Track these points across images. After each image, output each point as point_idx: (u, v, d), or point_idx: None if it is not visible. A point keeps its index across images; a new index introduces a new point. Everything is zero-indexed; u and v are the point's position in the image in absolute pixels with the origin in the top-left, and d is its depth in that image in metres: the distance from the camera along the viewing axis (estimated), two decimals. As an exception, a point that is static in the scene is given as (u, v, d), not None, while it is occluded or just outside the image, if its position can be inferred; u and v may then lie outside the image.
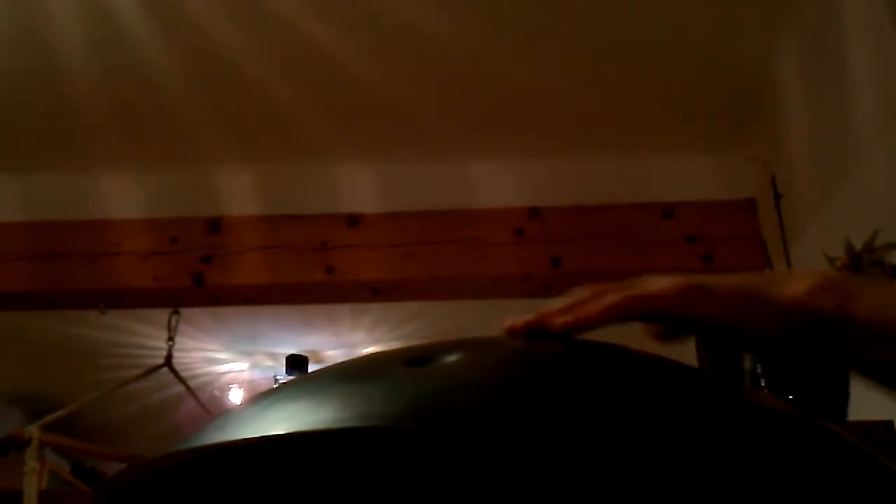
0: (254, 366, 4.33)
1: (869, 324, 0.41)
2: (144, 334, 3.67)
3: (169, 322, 2.84)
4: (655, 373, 0.41)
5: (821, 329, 0.42)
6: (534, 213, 2.73)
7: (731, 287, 0.44)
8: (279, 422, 0.37)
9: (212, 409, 3.45)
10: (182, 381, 3.00)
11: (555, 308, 0.45)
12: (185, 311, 2.87)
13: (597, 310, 0.44)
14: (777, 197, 2.11)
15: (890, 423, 1.49)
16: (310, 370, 3.99)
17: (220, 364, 4.30)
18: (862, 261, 1.36)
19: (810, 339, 0.42)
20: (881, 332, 0.41)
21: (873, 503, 0.36)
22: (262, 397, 0.43)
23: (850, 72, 1.94)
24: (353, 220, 2.76)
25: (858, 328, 0.41)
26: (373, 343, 3.86)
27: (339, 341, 3.93)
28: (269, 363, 4.28)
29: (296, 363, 4.04)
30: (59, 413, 2.73)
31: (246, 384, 4.41)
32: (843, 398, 1.27)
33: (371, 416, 0.35)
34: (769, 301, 0.42)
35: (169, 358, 2.91)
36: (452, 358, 0.40)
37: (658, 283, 0.45)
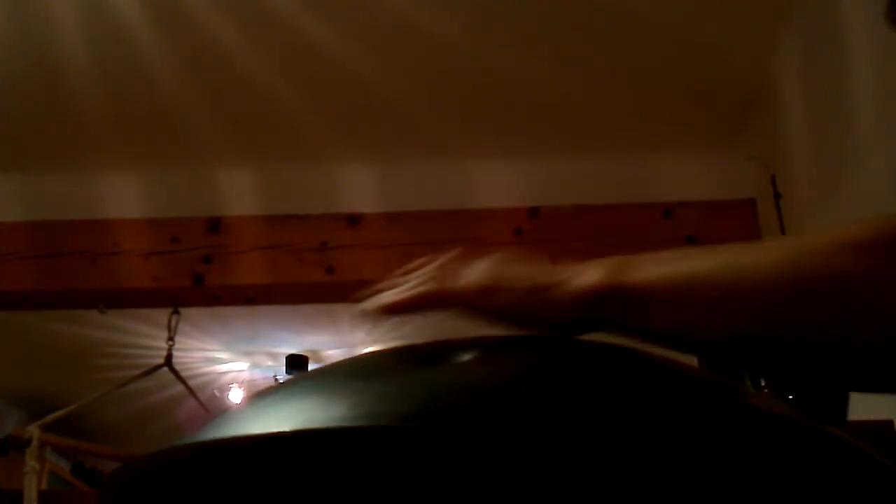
0: (254, 366, 4.34)
1: (642, 293, 0.44)
2: (144, 334, 3.68)
3: (169, 322, 2.84)
4: (658, 375, 0.41)
5: (603, 306, 0.45)
6: (534, 213, 2.73)
7: (528, 281, 0.48)
8: (287, 418, 0.37)
9: (212, 409, 3.45)
10: (182, 381, 3.00)
11: (387, 294, 0.52)
12: (185, 311, 2.87)
13: (408, 298, 0.50)
14: (777, 197, 2.11)
15: (890, 423, 1.50)
16: (310, 370, 3.99)
17: (220, 364, 4.30)
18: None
19: (596, 317, 0.45)
20: (653, 298, 0.44)
21: None
22: (269, 392, 0.43)
23: (850, 71, 1.94)
24: (353, 220, 2.76)
25: (634, 298, 0.44)
26: (373, 343, 3.86)
27: (339, 341, 3.94)
28: (269, 363, 4.28)
29: (296, 363, 4.04)
30: (59, 413, 2.74)
31: (246, 384, 4.41)
32: (843, 398, 1.27)
33: (382, 414, 0.35)
34: (556, 289, 0.46)
35: (169, 358, 2.91)
36: (464, 357, 0.40)
37: (466, 280, 0.50)
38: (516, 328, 0.49)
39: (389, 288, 0.55)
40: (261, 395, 0.43)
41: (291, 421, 0.37)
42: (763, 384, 1.31)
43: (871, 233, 0.41)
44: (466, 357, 0.41)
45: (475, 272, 0.50)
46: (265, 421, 0.38)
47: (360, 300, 0.55)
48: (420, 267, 0.56)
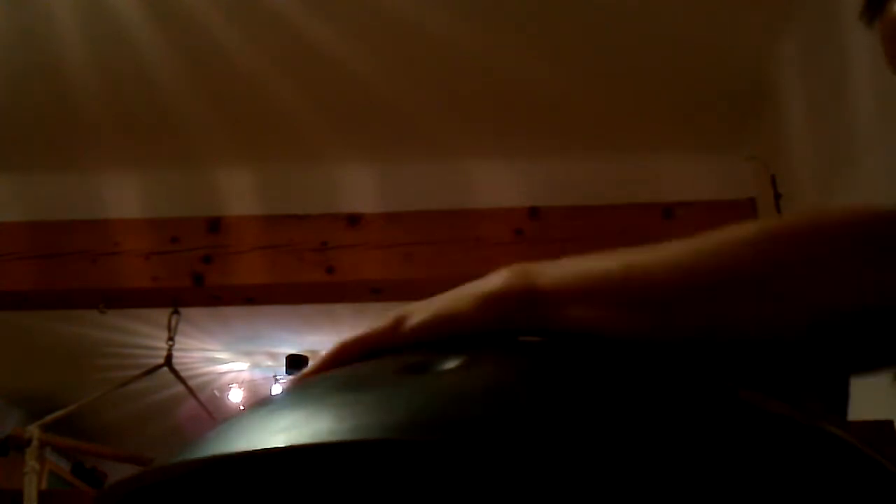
0: (254, 366, 4.34)
1: (546, 293, 0.44)
2: (144, 334, 3.68)
3: (169, 322, 2.84)
4: (654, 374, 0.41)
5: (514, 308, 0.45)
6: (534, 213, 2.73)
7: (434, 308, 0.48)
8: (277, 433, 0.37)
9: (212, 409, 3.45)
10: (182, 381, 3.00)
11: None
12: (185, 311, 2.87)
13: (324, 359, 0.49)
14: (777, 197, 2.11)
15: (890, 423, 1.50)
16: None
17: (220, 364, 4.30)
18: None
19: (509, 321, 0.45)
20: (558, 298, 0.44)
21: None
22: (262, 405, 0.43)
23: (850, 71, 1.94)
24: (353, 220, 2.76)
25: (538, 299, 0.45)
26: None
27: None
28: (269, 363, 4.28)
29: (296, 363, 4.04)
30: (59, 413, 2.74)
31: (246, 384, 4.42)
32: (843, 398, 1.27)
33: (367, 427, 0.35)
34: (462, 306, 0.46)
35: (169, 358, 2.91)
36: (451, 365, 0.40)
37: (375, 322, 0.49)
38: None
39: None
40: (256, 407, 0.43)
41: (279, 436, 0.36)
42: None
43: (770, 227, 0.43)
44: (454, 363, 0.40)
45: (384, 316, 0.50)
46: (255, 436, 0.38)
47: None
48: None
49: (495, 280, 0.46)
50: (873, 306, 0.40)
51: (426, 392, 0.38)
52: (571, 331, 0.44)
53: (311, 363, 0.52)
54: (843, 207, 0.44)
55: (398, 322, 0.48)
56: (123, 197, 2.84)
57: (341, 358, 0.48)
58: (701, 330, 0.42)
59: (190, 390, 3.08)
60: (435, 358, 0.41)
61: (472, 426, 0.34)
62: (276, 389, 4.02)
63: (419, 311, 0.48)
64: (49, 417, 2.68)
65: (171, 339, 2.86)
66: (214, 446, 0.38)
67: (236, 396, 4.42)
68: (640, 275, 0.44)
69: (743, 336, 0.41)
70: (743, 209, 2.63)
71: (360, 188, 2.81)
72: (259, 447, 0.36)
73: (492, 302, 0.46)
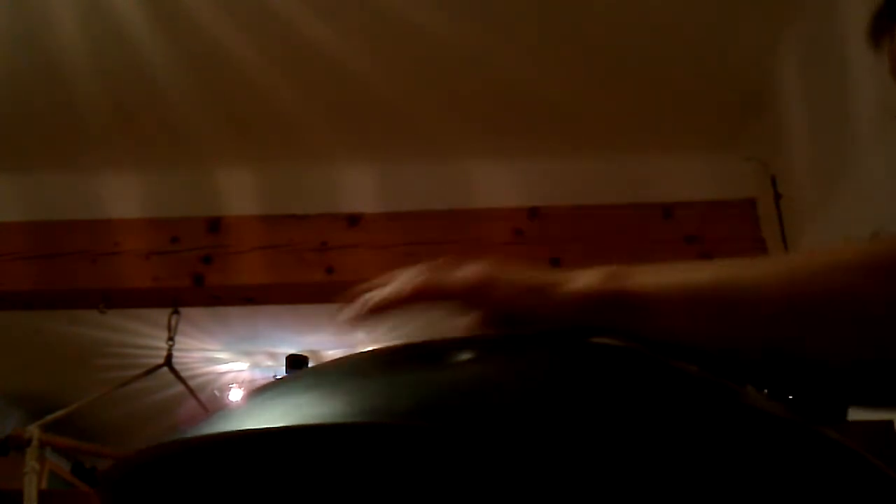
0: (254, 366, 4.34)
1: (640, 299, 0.45)
2: (144, 334, 3.68)
3: (169, 322, 2.84)
4: (657, 374, 0.41)
5: (599, 310, 0.46)
6: (534, 213, 2.73)
7: (527, 279, 0.49)
8: (282, 415, 0.37)
9: (212, 409, 3.44)
10: (182, 381, 3.00)
11: (380, 291, 0.52)
12: (185, 311, 2.87)
13: (400, 293, 0.51)
14: (777, 197, 2.11)
15: (890, 423, 1.49)
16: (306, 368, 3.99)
17: (220, 364, 4.30)
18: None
19: (592, 321, 0.46)
20: (650, 305, 0.45)
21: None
22: (265, 389, 0.43)
23: (850, 72, 1.94)
24: (353, 220, 2.76)
25: (631, 304, 0.45)
26: (373, 343, 3.86)
27: (338, 341, 3.93)
28: (269, 363, 4.28)
29: (296, 363, 4.04)
30: (59, 413, 2.74)
31: (246, 384, 4.41)
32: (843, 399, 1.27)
33: (378, 411, 0.35)
34: (555, 290, 0.47)
35: (169, 358, 2.91)
36: (462, 356, 0.40)
37: (464, 272, 0.50)
38: (510, 328, 0.49)
39: (380, 286, 0.55)
40: (257, 392, 0.43)
41: (286, 417, 0.37)
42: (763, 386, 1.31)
43: (870, 255, 0.43)
44: (464, 356, 0.41)
45: (471, 269, 0.50)
46: (259, 417, 0.38)
47: (350, 301, 0.55)
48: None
49: (589, 278, 0.47)
50: None
51: (434, 382, 0.38)
52: (654, 337, 0.44)
53: (387, 289, 0.52)
54: None
55: (488, 284, 0.49)
56: (123, 197, 2.84)
57: (424, 296, 0.50)
58: (781, 347, 0.43)
59: (190, 390, 3.08)
60: (446, 350, 0.42)
61: (474, 415, 0.34)
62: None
63: (509, 281, 0.49)
64: (49, 417, 2.68)
65: (171, 339, 2.86)
66: (226, 425, 0.39)
67: (236, 396, 4.41)
68: (734, 290, 0.44)
69: (823, 358, 0.42)
70: (743, 209, 2.63)
71: (360, 188, 2.81)
72: (263, 427, 0.36)
73: (581, 300, 0.46)
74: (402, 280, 0.52)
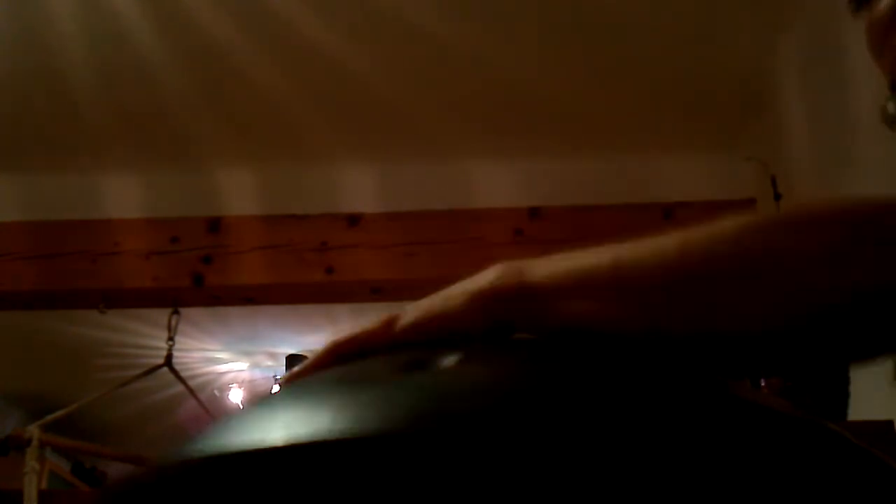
0: (254, 366, 4.34)
1: (537, 288, 0.44)
2: (144, 334, 3.68)
3: (169, 322, 2.84)
4: (653, 371, 0.41)
5: (505, 305, 0.45)
6: (534, 213, 2.73)
7: (426, 301, 0.47)
8: (276, 430, 0.37)
9: (212, 409, 3.45)
10: (182, 381, 3.00)
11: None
12: (185, 311, 2.87)
13: (317, 359, 0.49)
14: (777, 197, 2.11)
15: (890, 422, 1.50)
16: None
17: (220, 364, 4.30)
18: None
19: (500, 317, 0.45)
20: (549, 293, 0.44)
21: (872, 502, 0.36)
22: (260, 403, 0.43)
23: (850, 72, 1.94)
24: (353, 220, 2.76)
25: (530, 294, 0.44)
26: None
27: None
28: (269, 363, 4.28)
29: (296, 363, 4.04)
30: (59, 413, 2.73)
31: (246, 384, 4.42)
32: (843, 398, 1.27)
33: (366, 423, 0.35)
34: (456, 300, 0.46)
35: (169, 358, 2.91)
36: (450, 361, 0.40)
37: (369, 322, 0.49)
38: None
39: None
40: (251, 406, 0.43)
41: (277, 434, 0.36)
42: (762, 385, 1.31)
43: (773, 217, 0.42)
44: (452, 360, 0.41)
45: (376, 318, 0.50)
46: (254, 433, 0.38)
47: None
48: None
49: (485, 277, 0.46)
50: (870, 296, 0.39)
51: (424, 389, 0.38)
52: (564, 326, 0.44)
53: (303, 362, 0.52)
54: (837, 197, 0.43)
55: (390, 322, 0.47)
56: (123, 197, 2.84)
57: (334, 357, 0.48)
58: (693, 323, 0.42)
59: (190, 390, 3.08)
60: (432, 355, 0.41)
61: (470, 421, 0.34)
62: (276, 389, 4.02)
63: (411, 311, 0.48)
64: (49, 417, 2.68)
65: (171, 339, 2.85)
66: (213, 443, 0.39)
67: (236, 396, 4.42)
68: (629, 268, 0.44)
69: (738, 329, 0.41)
70: (743, 209, 2.63)
71: (360, 188, 2.81)
72: (258, 444, 0.36)
73: (482, 299, 0.45)
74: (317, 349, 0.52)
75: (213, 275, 2.72)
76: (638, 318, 0.42)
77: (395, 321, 0.47)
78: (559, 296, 0.44)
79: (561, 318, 0.44)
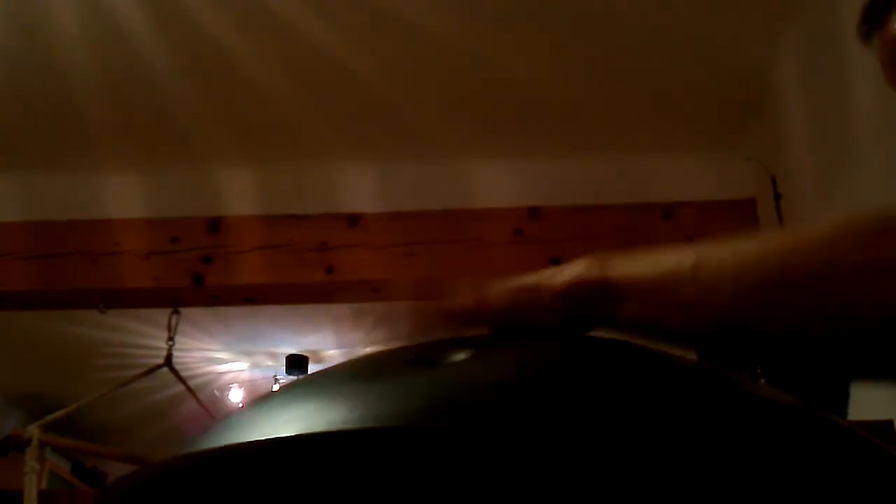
0: (254, 366, 4.34)
1: (624, 285, 0.46)
2: (144, 334, 3.67)
3: (169, 322, 2.84)
4: (659, 367, 0.41)
5: (587, 299, 0.47)
6: (534, 213, 2.73)
7: (517, 282, 0.50)
8: (288, 423, 0.37)
9: (212, 409, 3.45)
10: (182, 381, 3.00)
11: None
12: (185, 311, 2.87)
13: (417, 329, 0.53)
14: (777, 197, 2.11)
15: (890, 422, 1.50)
16: (310, 370, 4.00)
17: (220, 364, 4.30)
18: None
19: (583, 312, 0.47)
20: (634, 291, 0.46)
21: (879, 494, 0.36)
22: (269, 397, 0.43)
23: (850, 72, 1.94)
24: (353, 220, 2.76)
25: (616, 291, 0.46)
26: (373, 343, 3.85)
27: (339, 341, 3.93)
28: (269, 363, 4.28)
29: (296, 363, 4.04)
30: (59, 413, 2.73)
31: (246, 384, 4.41)
32: (843, 398, 1.27)
33: (381, 416, 0.35)
34: (541, 287, 0.48)
35: (169, 358, 2.91)
36: (460, 357, 0.41)
37: (459, 298, 0.52)
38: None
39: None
40: (259, 401, 0.43)
41: (290, 426, 0.36)
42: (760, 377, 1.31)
43: (837, 229, 0.43)
44: (463, 356, 0.41)
45: (464, 293, 0.52)
46: (266, 427, 0.38)
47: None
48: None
49: (573, 269, 0.48)
50: None
51: (437, 383, 0.38)
52: (631, 321, 0.45)
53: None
54: None
55: (482, 300, 0.50)
56: (123, 197, 2.84)
57: (430, 330, 0.51)
58: (785, 325, 0.42)
59: (190, 390, 3.08)
60: (443, 351, 0.42)
61: (478, 415, 0.34)
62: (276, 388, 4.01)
63: (500, 291, 0.50)
64: (49, 417, 2.68)
65: (171, 339, 2.85)
66: (230, 437, 0.39)
67: (236, 396, 4.41)
68: (710, 272, 0.44)
69: (828, 333, 0.41)
70: (743, 209, 2.63)
71: (360, 188, 2.81)
72: (272, 437, 0.36)
73: (565, 289, 0.47)
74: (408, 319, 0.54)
75: (213, 275, 2.72)
76: (715, 320, 0.44)
77: (486, 296, 0.50)
78: (634, 295, 0.45)
79: (635, 315, 0.45)
